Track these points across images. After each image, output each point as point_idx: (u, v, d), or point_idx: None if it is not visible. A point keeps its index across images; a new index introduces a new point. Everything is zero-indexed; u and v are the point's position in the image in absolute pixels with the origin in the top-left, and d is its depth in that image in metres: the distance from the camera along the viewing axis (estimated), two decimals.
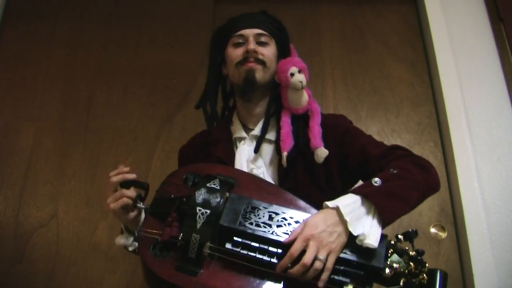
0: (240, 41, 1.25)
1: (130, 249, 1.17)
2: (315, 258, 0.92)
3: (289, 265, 0.94)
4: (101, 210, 1.87)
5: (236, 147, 1.25)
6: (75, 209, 1.89)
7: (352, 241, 0.96)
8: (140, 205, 1.11)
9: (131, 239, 1.16)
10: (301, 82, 1.19)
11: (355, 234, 0.95)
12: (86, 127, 2.02)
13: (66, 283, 1.79)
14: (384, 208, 0.99)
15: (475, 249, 1.72)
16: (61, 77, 2.11)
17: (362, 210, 0.98)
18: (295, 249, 0.93)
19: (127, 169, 1.13)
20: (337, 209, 0.98)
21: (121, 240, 1.17)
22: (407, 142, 1.96)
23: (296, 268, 0.92)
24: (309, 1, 2.24)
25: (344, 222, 0.96)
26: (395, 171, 1.06)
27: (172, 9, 2.22)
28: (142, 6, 2.23)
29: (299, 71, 1.20)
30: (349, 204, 0.99)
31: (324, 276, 0.93)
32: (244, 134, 1.26)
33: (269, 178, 1.18)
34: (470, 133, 1.89)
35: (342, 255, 0.95)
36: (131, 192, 1.11)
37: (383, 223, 0.98)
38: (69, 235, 1.85)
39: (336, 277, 0.94)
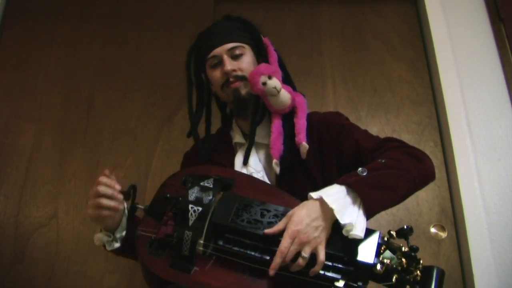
0: (216, 61, 1.25)
1: (108, 248, 1.16)
2: (298, 255, 0.92)
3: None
4: None
5: (236, 152, 1.27)
6: (75, 209, 1.89)
7: (341, 237, 0.94)
8: (140, 206, 1.13)
9: (109, 238, 1.15)
10: (275, 87, 1.19)
11: (342, 222, 0.92)
12: (86, 127, 2.02)
13: (66, 283, 1.79)
14: (368, 198, 0.96)
15: (475, 249, 1.72)
16: (61, 77, 2.11)
17: (348, 200, 0.96)
18: (284, 246, 0.92)
19: (118, 186, 1.10)
20: (321, 200, 0.95)
21: (100, 238, 1.16)
22: (407, 142, 1.95)
23: (275, 261, 0.91)
24: (309, 1, 2.24)
25: (329, 212, 0.94)
26: (383, 161, 1.04)
27: (172, 9, 2.22)
28: (142, 6, 2.23)
29: (269, 77, 1.20)
30: (334, 193, 0.96)
31: (317, 268, 0.92)
32: (243, 140, 1.29)
33: (268, 182, 1.19)
34: (470, 133, 1.89)
35: (331, 251, 0.94)
36: (113, 202, 1.08)
37: (367, 213, 0.95)
38: (69, 235, 1.85)
39: (326, 273, 0.93)
